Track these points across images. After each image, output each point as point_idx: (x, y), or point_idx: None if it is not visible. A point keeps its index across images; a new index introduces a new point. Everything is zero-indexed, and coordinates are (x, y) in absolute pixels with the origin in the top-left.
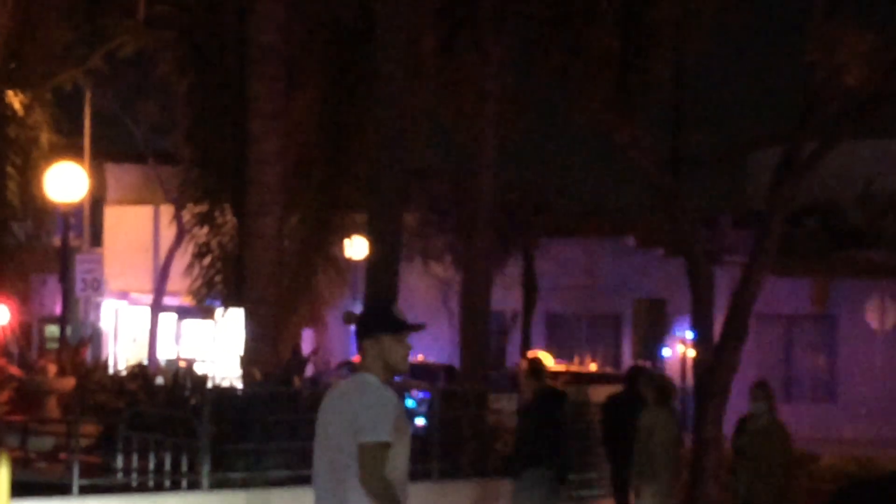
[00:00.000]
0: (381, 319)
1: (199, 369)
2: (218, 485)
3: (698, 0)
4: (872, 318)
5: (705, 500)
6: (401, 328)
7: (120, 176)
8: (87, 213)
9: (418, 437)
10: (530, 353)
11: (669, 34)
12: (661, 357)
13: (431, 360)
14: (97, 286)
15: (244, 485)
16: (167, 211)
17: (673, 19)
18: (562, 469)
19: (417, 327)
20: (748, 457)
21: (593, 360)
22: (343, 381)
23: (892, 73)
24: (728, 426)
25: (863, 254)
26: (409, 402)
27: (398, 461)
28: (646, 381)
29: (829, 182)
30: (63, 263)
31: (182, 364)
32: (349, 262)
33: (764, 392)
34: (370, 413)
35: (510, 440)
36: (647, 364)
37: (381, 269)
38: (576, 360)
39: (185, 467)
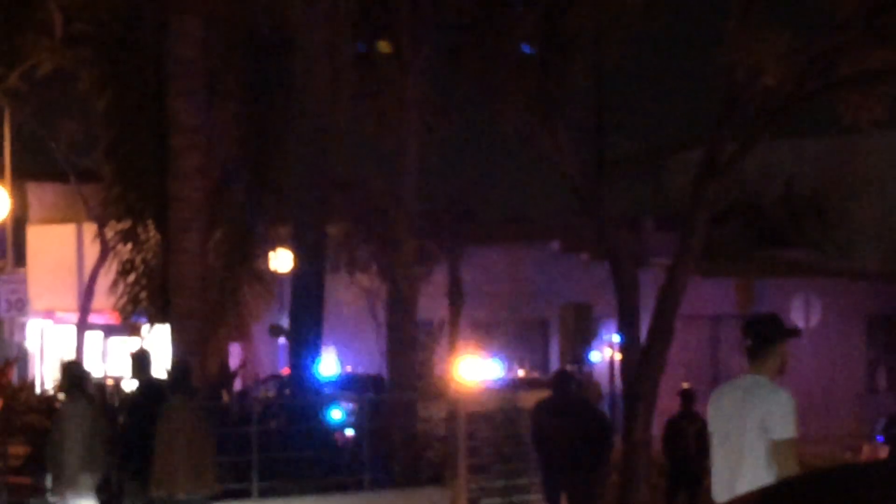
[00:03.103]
0: (781, 328)
1: (126, 387)
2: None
3: (615, 6)
4: (797, 317)
5: (636, 502)
6: (795, 334)
7: (42, 195)
8: (9, 233)
9: (348, 448)
10: (138, 347)
11: (588, 40)
12: (589, 361)
13: (360, 370)
14: (22, 306)
15: None
16: (90, 229)
17: (591, 25)
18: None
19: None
20: None
21: (521, 367)
22: (736, 382)
23: (809, 73)
24: (657, 428)
25: (786, 253)
26: (341, 412)
27: None
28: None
29: (750, 182)
30: None
31: (110, 382)
32: (274, 274)
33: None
34: (782, 413)
35: (440, 448)
36: (574, 368)
37: (307, 281)
38: (504, 366)
39: (114, 485)
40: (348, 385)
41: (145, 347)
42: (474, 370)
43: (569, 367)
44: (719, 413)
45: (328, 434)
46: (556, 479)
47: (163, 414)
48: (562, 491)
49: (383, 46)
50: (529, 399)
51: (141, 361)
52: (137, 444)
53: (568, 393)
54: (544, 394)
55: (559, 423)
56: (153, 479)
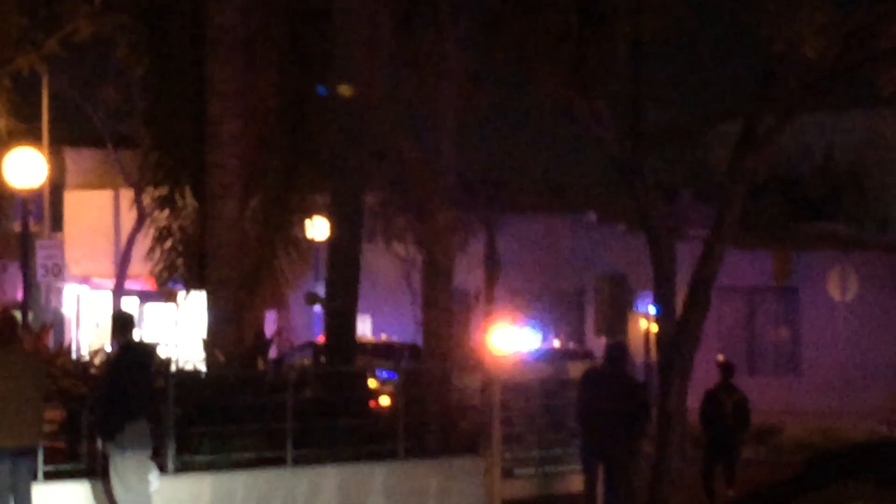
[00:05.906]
0: None
1: (162, 353)
2: (183, 468)
3: None
4: (833, 290)
5: (670, 473)
6: None
7: (79, 160)
8: (46, 198)
9: (383, 417)
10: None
11: (626, 9)
12: (625, 332)
13: (396, 339)
14: (58, 272)
15: (209, 468)
16: (127, 195)
17: None
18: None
19: None
20: None
21: (556, 337)
22: None
23: (850, 45)
24: (692, 400)
25: (823, 226)
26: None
27: None
28: None
29: (788, 155)
30: (23, 249)
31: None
32: (311, 243)
33: None
34: None
35: (475, 418)
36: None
37: (343, 249)
38: (540, 336)
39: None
40: (383, 354)
41: (127, 311)
42: (510, 340)
43: (620, 339)
44: None
45: (363, 403)
46: (597, 449)
47: None
48: (601, 461)
49: (344, 90)
50: (564, 369)
51: (122, 323)
52: (118, 404)
53: (621, 366)
54: (578, 364)
55: (606, 394)
56: None
